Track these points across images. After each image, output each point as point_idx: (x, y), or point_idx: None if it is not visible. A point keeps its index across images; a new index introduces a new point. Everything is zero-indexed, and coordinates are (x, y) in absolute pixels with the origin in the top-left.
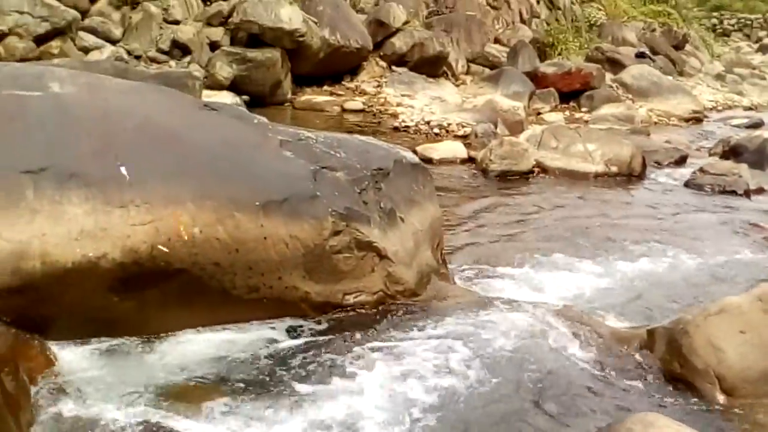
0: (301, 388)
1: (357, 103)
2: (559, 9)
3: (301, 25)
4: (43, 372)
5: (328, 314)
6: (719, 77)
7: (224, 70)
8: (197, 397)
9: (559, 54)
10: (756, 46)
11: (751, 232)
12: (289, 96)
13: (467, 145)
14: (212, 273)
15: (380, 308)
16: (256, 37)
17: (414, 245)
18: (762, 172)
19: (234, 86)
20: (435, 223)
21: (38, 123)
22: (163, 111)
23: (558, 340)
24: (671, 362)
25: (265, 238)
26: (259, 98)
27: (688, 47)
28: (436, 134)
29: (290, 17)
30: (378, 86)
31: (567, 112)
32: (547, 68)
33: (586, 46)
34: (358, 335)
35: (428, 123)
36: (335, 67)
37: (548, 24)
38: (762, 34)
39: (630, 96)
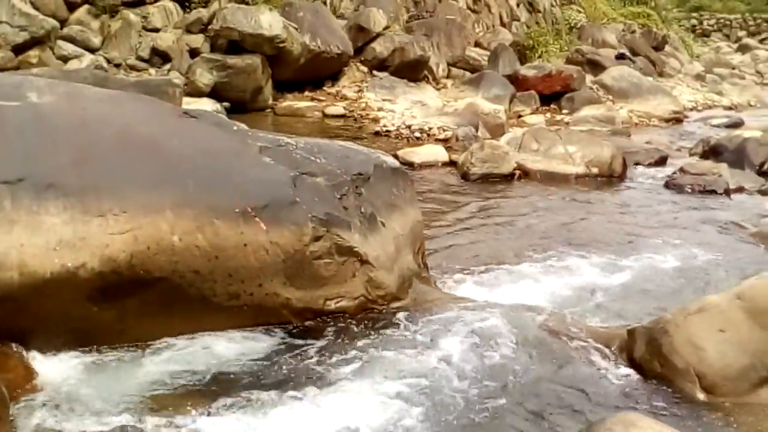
0: (283, 396)
1: (338, 109)
2: (539, 12)
3: (281, 32)
4: (23, 383)
5: (309, 320)
6: (699, 77)
7: (204, 77)
8: (178, 406)
9: (540, 56)
10: (735, 46)
11: (730, 232)
12: (270, 102)
13: (448, 149)
14: (192, 281)
15: (362, 313)
16: (236, 44)
17: (395, 250)
18: (742, 171)
19: (215, 93)
20: (416, 228)
21: (16, 133)
22: (141, 119)
23: (539, 341)
24: (652, 361)
25: (245, 244)
26: (240, 105)
27: (667, 48)
28: (418, 138)
29: (270, 23)
30: (359, 91)
31: (548, 115)
32: (527, 71)
33: (566, 48)
34: (339, 341)
35: (409, 127)
36: (316, 72)
37: (528, 27)
38: (741, 34)
39: (610, 97)
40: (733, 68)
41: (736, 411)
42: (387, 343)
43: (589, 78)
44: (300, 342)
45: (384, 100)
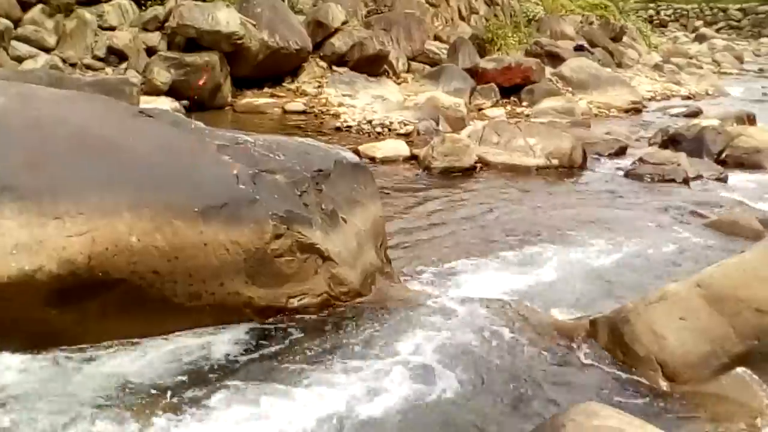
0: (243, 395)
1: (298, 105)
2: (498, 5)
3: (238, 28)
4: None
5: (272, 318)
6: (657, 67)
7: (162, 76)
8: (135, 408)
9: (499, 49)
10: (692, 35)
11: (690, 220)
12: (230, 99)
13: (410, 143)
14: (152, 281)
15: (325, 310)
16: (193, 41)
17: (357, 245)
18: (700, 160)
19: (172, 91)
20: (378, 223)
21: None
22: (97, 119)
23: (502, 334)
24: (614, 351)
25: (205, 244)
26: (199, 103)
27: (625, 39)
28: (379, 133)
29: (227, 20)
30: (319, 87)
31: (508, 107)
32: (487, 64)
33: (525, 40)
34: (302, 339)
35: (370, 122)
36: (275, 68)
37: (487, 20)
38: (698, 24)
39: (570, 89)
40: (691, 58)
41: (698, 397)
42: (350, 339)
43: (548, 70)
44: (263, 341)
45: (344, 95)
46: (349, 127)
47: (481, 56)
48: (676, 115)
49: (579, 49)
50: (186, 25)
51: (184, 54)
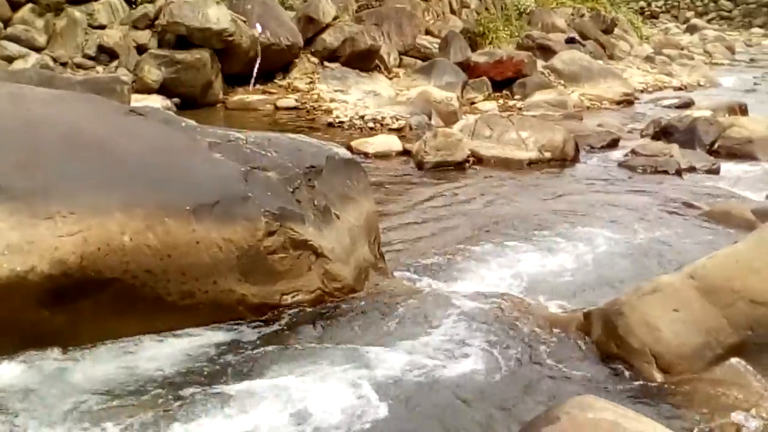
0: (238, 392)
1: (290, 101)
2: None
3: (229, 25)
4: None
5: (266, 316)
6: (649, 59)
7: (153, 74)
8: (132, 408)
9: (490, 43)
10: (684, 26)
11: (682, 211)
12: (221, 96)
13: (402, 138)
14: (145, 280)
15: (319, 307)
16: (184, 39)
17: (350, 241)
18: (693, 151)
19: (164, 89)
20: (371, 218)
21: None
22: (88, 119)
23: (496, 327)
24: (608, 343)
25: (197, 242)
26: (191, 100)
27: (617, 31)
28: (371, 128)
29: (218, 17)
30: (310, 83)
31: (500, 101)
32: (478, 58)
33: (516, 34)
34: (296, 336)
35: (362, 117)
36: (267, 65)
37: (478, 13)
38: (689, 14)
39: (561, 82)
40: (682, 49)
41: (693, 389)
42: (345, 335)
43: (540, 63)
44: (256, 338)
45: (336, 91)
46: (341, 122)
47: (473, 50)
48: (668, 107)
49: (570, 41)
50: (176, 23)
51: (174, 51)
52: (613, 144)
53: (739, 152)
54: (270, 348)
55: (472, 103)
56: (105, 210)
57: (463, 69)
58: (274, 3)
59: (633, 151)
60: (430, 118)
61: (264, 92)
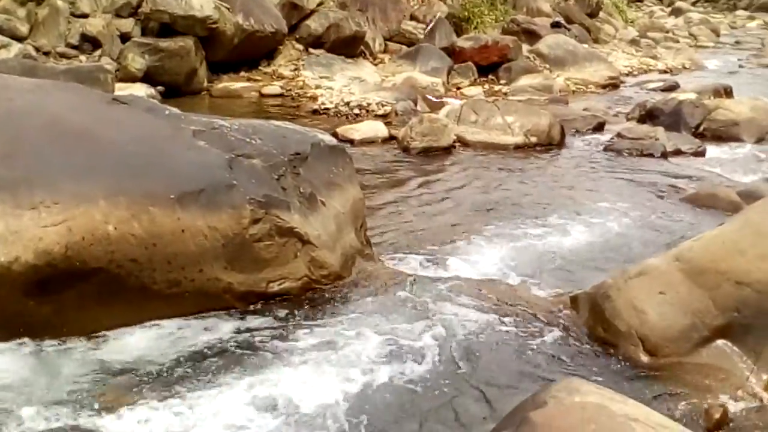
0: (225, 381)
1: (275, 88)
2: None
3: (212, 12)
4: None
5: (253, 304)
6: (634, 42)
7: (137, 62)
8: (119, 397)
9: (476, 28)
10: (669, 9)
11: (669, 193)
12: (206, 84)
13: (388, 124)
14: (131, 270)
15: (306, 294)
16: (167, 27)
17: (336, 228)
18: (678, 134)
19: (148, 77)
20: (357, 205)
21: None
22: (71, 108)
23: (483, 311)
24: (595, 327)
25: (182, 230)
26: (175, 88)
27: (602, 14)
28: (357, 115)
29: (201, 4)
30: (295, 69)
31: (486, 86)
32: (464, 43)
33: (501, 18)
34: (283, 324)
35: (348, 104)
36: (251, 52)
37: None
38: None
39: (547, 66)
40: (667, 32)
41: (679, 371)
42: (332, 321)
43: (525, 47)
44: (243, 326)
45: (321, 77)
46: (327, 109)
47: (458, 35)
48: (654, 90)
49: (555, 25)
50: (159, 11)
51: (158, 39)
52: (599, 128)
53: (725, 134)
54: (257, 335)
55: (458, 88)
56: (89, 199)
57: (449, 54)
58: None
59: (619, 135)
60: (415, 104)
61: (249, 79)
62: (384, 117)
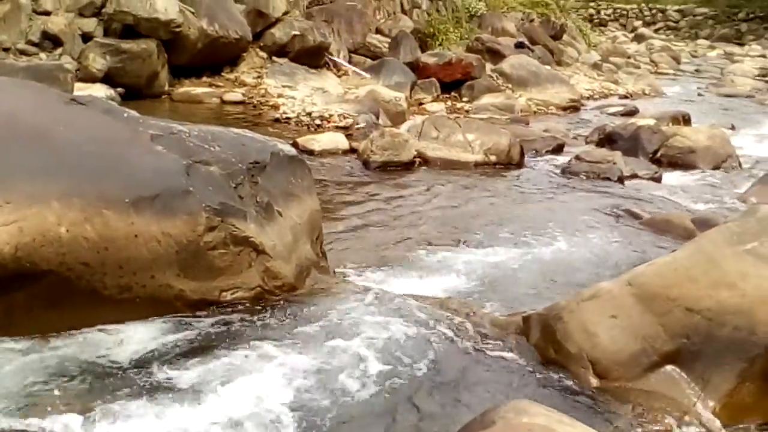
0: (170, 389)
1: (237, 95)
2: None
3: (177, 16)
4: None
5: (204, 312)
6: (596, 66)
7: (98, 62)
8: (57, 404)
9: (440, 44)
10: (631, 35)
11: (624, 218)
12: (167, 88)
13: (349, 137)
14: (81, 273)
15: (258, 304)
16: (130, 28)
17: (292, 239)
18: (636, 159)
19: (108, 78)
20: (314, 216)
21: None
22: (27, 106)
23: (436, 330)
24: (546, 348)
25: (135, 235)
26: (135, 91)
27: (565, 37)
28: (318, 126)
29: (166, 7)
30: (258, 77)
31: (448, 102)
32: (428, 58)
33: (466, 36)
34: (232, 333)
35: (309, 114)
36: (214, 58)
37: (429, 14)
38: (637, 23)
39: (509, 86)
40: (629, 57)
41: (628, 395)
42: (281, 333)
43: (488, 66)
44: (191, 334)
45: (284, 86)
46: (288, 118)
47: (423, 51)
48: (614, 114)
49: (519, 46)
50: (123, 12)
51: (120, 41)
52: (558, 149)
53: (681, 161)
54: (203, 344)
55: (420, 103)
56: (42, 200)
57: (413, 69)
58: None
59: (577, 157)
60: (377, 118)
61: (211, 85)
62: (345, 129)
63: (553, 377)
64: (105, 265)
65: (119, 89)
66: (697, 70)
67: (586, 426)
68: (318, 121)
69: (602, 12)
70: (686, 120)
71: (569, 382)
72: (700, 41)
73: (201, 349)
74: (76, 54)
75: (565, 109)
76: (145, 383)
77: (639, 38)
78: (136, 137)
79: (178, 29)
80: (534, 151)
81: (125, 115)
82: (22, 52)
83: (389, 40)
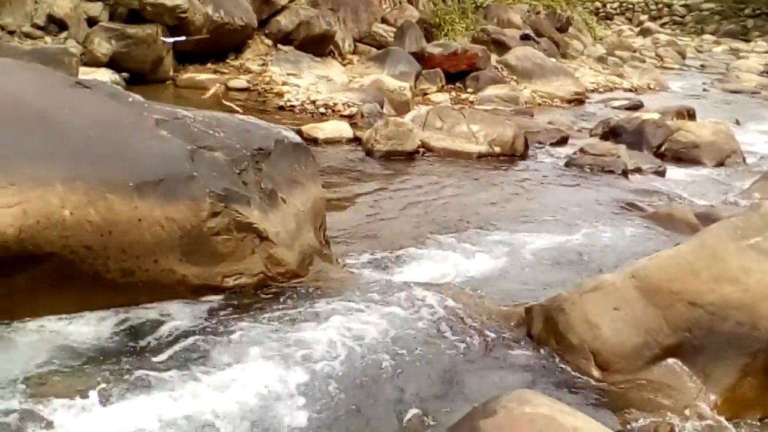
0: (172, 375)
1: (241, 82)
2: None
3: (182, 1)
4: None
5: (206, 297)
6: (601, 60)
7: (103, 47)
8: (67, 385)
9: (446, 35)
10: (637, 29)
11: (627, 212)
12: (171, 73)
13: (353, 125)
14: (84, 256)
15: (261, 291)
16: (136, 13)
17: (296, 226)
18: (640, 152)
19: (113, 63)
20: (318, 204)
21: None
22: (32, 89)
23: (438, 319)
24: (548, 339)
25: (139, 220)
26: (140, 76)
27: (571, 30)
28: (322, 114)
29: None
30: (263, 65)
31: (453, 93)
32: (433, 49)
33: (472, 27)
34: (234, 319)
35: (314, 102)
36: (219, 44)
37: (435, 4)
38: (643, 17)
39: (514, 77)
40: (635, 51)
41: (629, 387)
42: (283, 320)
43: (494, 58)
44: (194, 320)
45: (289, 74)
46: (293, 106)
47: (428, 41)
48: (618, 108)
49: (525, 38)
50: None
51: (126, 25)
52: (563, 142)
53: (685, 156)
54: (206, 330)
55: (425, 94)
56: (46, 182)
57: (418, 59)
58: None
59: (581, 150)
60: (382, 107)
61: (215, 72)
62: (349, 118)
63: (555, 368)
64: (108, 249)
65: (124, 74)
66: (702, 66)
67: (587, 416)
68: (322, 110)
69: (608, 5)
70: (691, 115)
71: (570, 374)
72: (706, 36)
73: (202, 334)
74: (81, 38)
75: (569, 101)
76: (145, 366)
77: (645, 32)
78: (140, 122)
79: (183, 15)
80: (538, 143)
81: (130, 99)
82: (27, 36)
83: (395, 30)
